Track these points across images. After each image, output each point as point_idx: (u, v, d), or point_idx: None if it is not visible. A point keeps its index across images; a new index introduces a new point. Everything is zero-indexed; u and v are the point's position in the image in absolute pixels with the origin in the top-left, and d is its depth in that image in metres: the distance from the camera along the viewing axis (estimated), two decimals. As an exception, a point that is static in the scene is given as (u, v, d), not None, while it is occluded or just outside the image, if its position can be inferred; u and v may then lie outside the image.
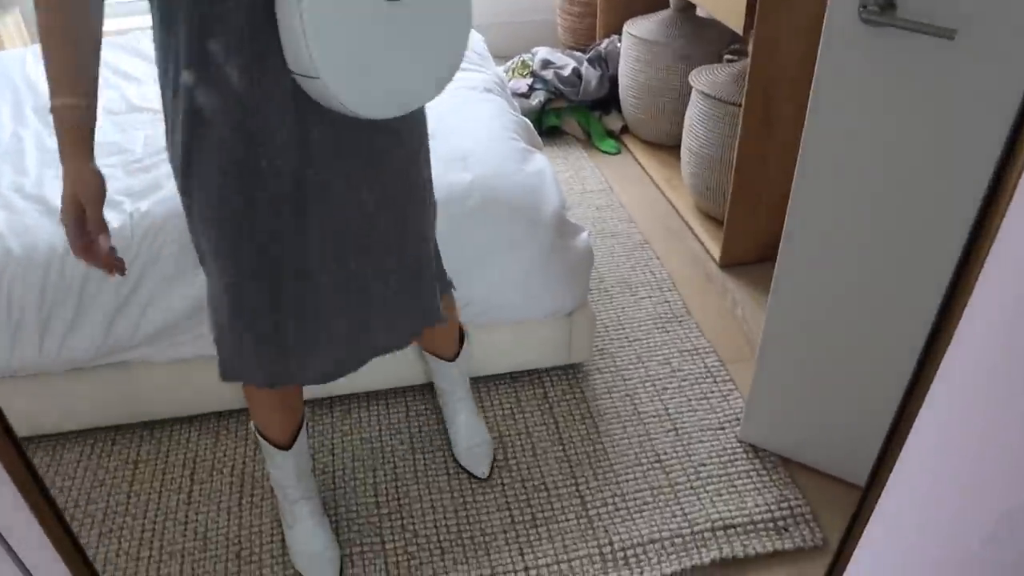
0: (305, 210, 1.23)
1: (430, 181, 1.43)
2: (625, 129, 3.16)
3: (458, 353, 1.77)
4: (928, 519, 0.86)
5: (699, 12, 2.87)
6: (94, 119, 1.11)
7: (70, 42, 1.06)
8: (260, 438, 1.56)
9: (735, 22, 2.07)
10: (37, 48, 2.75)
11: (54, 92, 1.07)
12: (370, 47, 1.09)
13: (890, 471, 0.88)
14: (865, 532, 0.98)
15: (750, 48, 2.03)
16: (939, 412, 0.84)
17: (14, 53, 2.71)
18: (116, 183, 1.92)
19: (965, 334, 0.80)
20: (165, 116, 1.22)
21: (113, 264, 1.18)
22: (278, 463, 1.57)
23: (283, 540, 1.67)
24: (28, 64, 2.58)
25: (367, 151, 1.25)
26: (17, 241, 1.75)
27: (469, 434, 1.80)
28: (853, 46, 1.27)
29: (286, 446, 1.55)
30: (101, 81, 2.59)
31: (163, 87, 1.19)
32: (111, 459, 1.86)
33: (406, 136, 1.32)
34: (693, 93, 2.48)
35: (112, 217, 1.79)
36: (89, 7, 1.08)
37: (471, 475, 1.78)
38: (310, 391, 1.93)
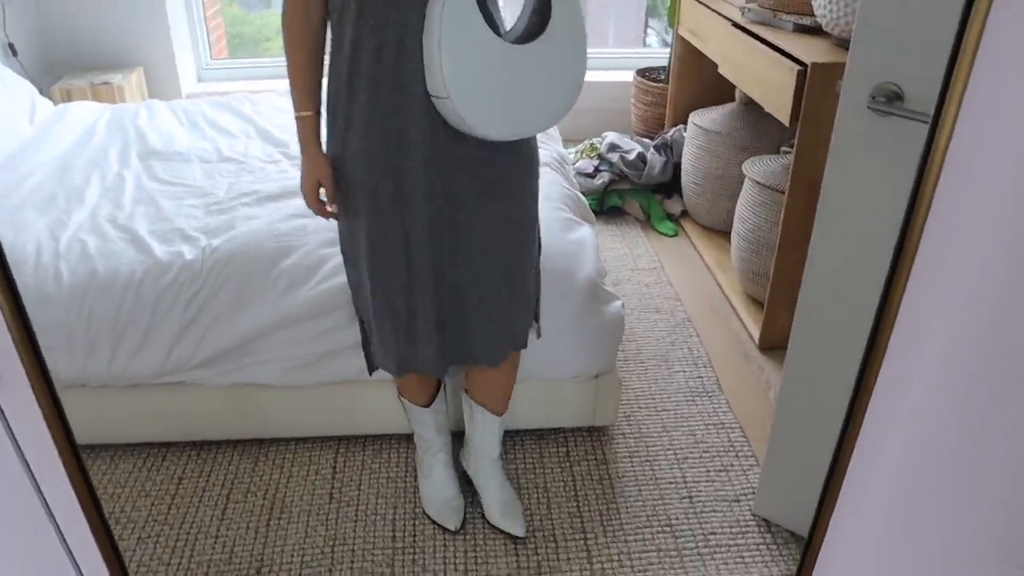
0: (423, 231, 1.50)
1: (537, 221, 1.64)
2: (684, 213, 3.25)
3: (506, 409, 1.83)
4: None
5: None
6: (320, 124, 1.51)
7: (305, 76, 1.46)
8: (403, 400, 1.85)
9: (783, 114, 2.16)
10: (152, 103, 3.07)
11: (297, 107, 1.48)
12: (495, 78, 1.36)
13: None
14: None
15: (796, 137, 2.11)
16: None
17: (132, 106, 3.02)
18: (196, 222, 2.13)
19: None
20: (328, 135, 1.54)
21: (331, 215, 1.57)
22: (420, 419, 1.85)
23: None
24: (141, 116, 2.87)
25: (484, 183, 1.49)
26: (103, 264, 1.96)
27: (505, 497, 1.83)
28: (862, 133, 1.35)
29: (425, 405, 1.83)
30: (198, 134, 2.87)
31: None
32: (159, 473, 2.01)
33: (518, 176, 1.54)
34: (746, 181, 2.57)
35: (187, 250, 1.99)
36: (317, 54, 1.46)
37: (502, 530, 1.81)
38: (355, 429, 2.05)
